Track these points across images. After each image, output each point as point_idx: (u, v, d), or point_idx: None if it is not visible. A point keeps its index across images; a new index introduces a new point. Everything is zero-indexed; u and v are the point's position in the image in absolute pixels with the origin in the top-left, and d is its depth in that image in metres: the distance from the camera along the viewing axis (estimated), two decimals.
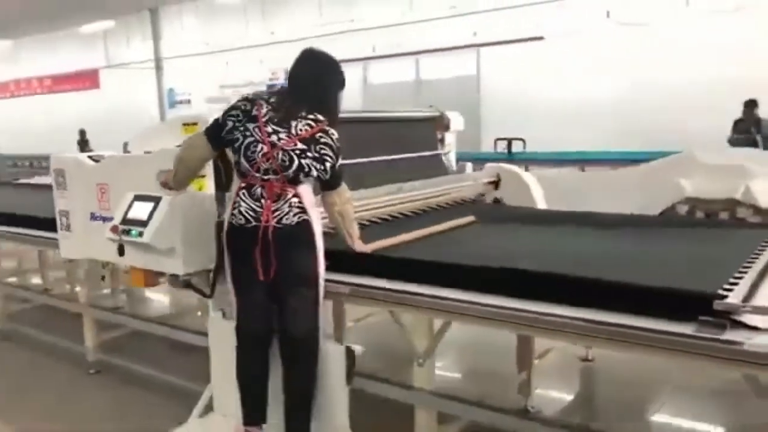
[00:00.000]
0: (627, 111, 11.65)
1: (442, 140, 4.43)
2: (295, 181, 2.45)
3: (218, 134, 2.52)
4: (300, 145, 2.44)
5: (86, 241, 3.16)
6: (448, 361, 4.16)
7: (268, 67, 18.05)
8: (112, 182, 2.98)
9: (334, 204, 2.62)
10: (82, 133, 18.14)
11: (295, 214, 2.44)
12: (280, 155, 2.42)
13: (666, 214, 5.58)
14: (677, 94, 11.03)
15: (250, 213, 2.44)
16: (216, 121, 2.55)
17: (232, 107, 2.52)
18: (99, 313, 3.92)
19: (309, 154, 2.44)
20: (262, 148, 2.42)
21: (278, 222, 2.42)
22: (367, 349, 4.20)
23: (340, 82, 2.62)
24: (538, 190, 4.11)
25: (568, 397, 3.82)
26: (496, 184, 4.22)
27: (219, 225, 2.63)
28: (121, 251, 2.81)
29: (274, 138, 2.43)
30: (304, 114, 2.48)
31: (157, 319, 4.39)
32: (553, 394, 3.78)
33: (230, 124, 2.49)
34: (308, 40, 14.90)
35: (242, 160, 2.47)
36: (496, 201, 4.23)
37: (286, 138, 2.43)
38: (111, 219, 2.88)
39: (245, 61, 18.21)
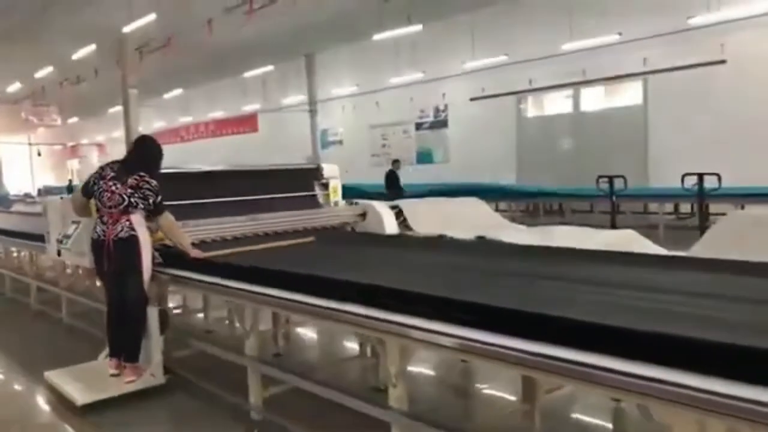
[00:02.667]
0: None
1: (326, 184, 5.70)
2: (126, 212, 4.01)
3: (86, 188, 4.19)
4: (129, 191, 4.02)
5: (54, 248, 4.98)
6: None
7: (418, 105, 18.03)
8: (67, 213, 4.70)
9: (161, 225, 4.14)
10: None
11: (125, 232, 3.99)
12: (116, 197, 4.02)
13: None
14: None
15: (100, 232, 4.05)
16: (86, 181, 4.22)
17: (93, 173, 4.21)
18: (266, 369, 3.55)
19: (136, 195, 4.02)
20: (106, 194, 4.04)
21: (115, 237, 3.98)
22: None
23: (157, 153, 4.28)
24: (391, 222, 5.40)
25: None
26: (364, 215, 5.44)
27: None
28: (59, 253, 4.88)
29: (114, 188, 4.04)
30: (133, 173, 4.07)
31: (321, 373, 3.97)
32: None
33: (92, 182, 4.14)
34: (460, 77, 14.69)
35: (98, 201, 4.10)
36: (352, 229, 5.43)
37: (121, 187, 4.03)
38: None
39: (395, 100, 18.33)
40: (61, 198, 5.05)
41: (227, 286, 3.50)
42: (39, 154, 36.56)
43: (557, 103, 15.12)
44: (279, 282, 3.19)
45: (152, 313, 4.18)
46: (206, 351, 4.25)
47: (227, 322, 5.68)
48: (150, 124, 26.97)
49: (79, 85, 21.80)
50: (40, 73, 18.29)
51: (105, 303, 4.36)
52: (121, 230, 3.97)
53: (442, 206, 7.41)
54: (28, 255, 7.19)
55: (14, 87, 21.29)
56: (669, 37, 11.93)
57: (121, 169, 4.12)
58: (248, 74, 19.65)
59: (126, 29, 13.77)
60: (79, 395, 3.90)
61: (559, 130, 14.76)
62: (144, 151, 4.27)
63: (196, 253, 4.02)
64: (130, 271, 4.02)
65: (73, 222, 4.58)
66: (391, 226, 5.41)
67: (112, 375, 4.12)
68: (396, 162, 14.20)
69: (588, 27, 12.85)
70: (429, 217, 6.32)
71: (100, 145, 35.87)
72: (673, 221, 10.99)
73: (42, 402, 4.27)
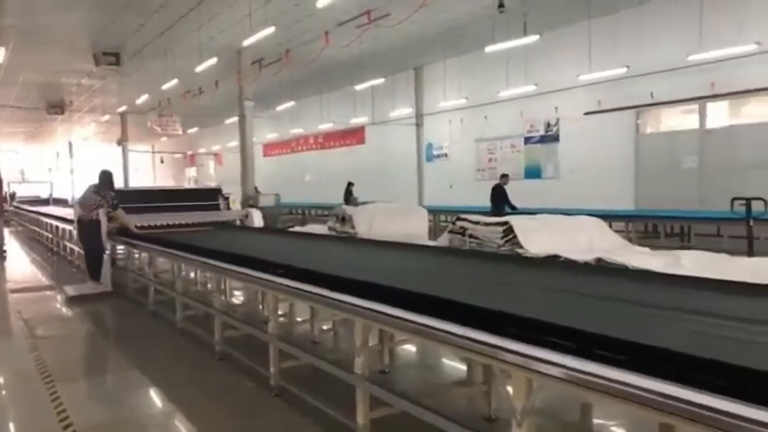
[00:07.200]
0: None
1: (227, 198, 10.77)
2: (96, 207, 8.68)
3: (82, 198, 9.16)
4: (99, 198, 8.73)
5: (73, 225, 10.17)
6: None
7: (527, 119, 17.49)
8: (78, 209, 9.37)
9: (116, 215, 8.71)
10: (350, 184, 19.33)
11: (95, 216, 8.67)
12: (92, 200, 8.76)
13: None
14: None
15: (83, 215, 8.77)
16: (83, 194, 9.24)
17: (86, 190, 9.16)
18: (374, 389, 3.34)
19: (102, 200, 8.69)
20: (88, 199, 8.85)
21: (89, 218, 8.67)
22: None
23: (111, 178, 9.12)
24: (259, 220, 9.91)
25: None
26: (247, 216, 10.03)
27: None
28: (74, 227, 9.93)
29: (93, 196, 8.83)
30: (102, 190, 8.84)
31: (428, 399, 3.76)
32: None
33: (84, 194, 9.13)
34: (574, 90, 13.96)
35: (84, 202, 8.93)
36: (240, 224, 9.89)
37: (96, 197, 8.77)
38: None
39: (504, 113, 17.88)
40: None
41: (152, 248, 7.20)
42: (162, 162, 39.05)
43: (679, 119, 14.14)
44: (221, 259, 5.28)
45: (106, 258, 8.79)
46: (313, 364, 4.15)
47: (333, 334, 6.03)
48: (263, 134, 27.96)
49: (200, 96, 22.99)
50: (166, 86, 19.38)
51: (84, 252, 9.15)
52: (93, 215, 8.55)
53: (556, 224, 6.91)
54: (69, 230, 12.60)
55: (143, 99, 22.73)
56: None
57: (97, 188, 8.76)
58: (358, 87, 19.91)
59: (245, 42, 14.31)
60: (72, 292, 8.74)
61: (682, 148, 13.75)
62: (105, 179, 8.90)
63: (134, 229, 8.32)
64: (95, 235, 8.61)
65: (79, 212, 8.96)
66: (258, 222, 9.80)
67: (89, 286, 8.77)
68: (504, 176, 13.71)
69: (720, 36, 11.91)
70: (542, 236, 5.92)
71: (216, 155, 37.61)
72: None
73: (58, 296, 9.06)
